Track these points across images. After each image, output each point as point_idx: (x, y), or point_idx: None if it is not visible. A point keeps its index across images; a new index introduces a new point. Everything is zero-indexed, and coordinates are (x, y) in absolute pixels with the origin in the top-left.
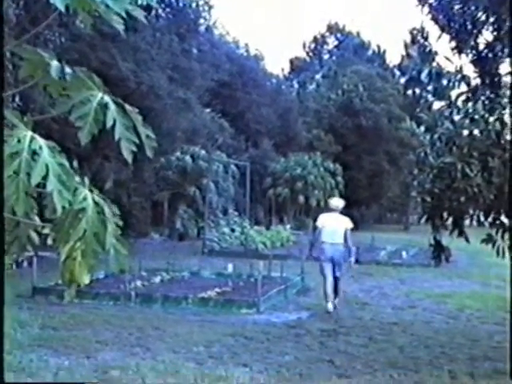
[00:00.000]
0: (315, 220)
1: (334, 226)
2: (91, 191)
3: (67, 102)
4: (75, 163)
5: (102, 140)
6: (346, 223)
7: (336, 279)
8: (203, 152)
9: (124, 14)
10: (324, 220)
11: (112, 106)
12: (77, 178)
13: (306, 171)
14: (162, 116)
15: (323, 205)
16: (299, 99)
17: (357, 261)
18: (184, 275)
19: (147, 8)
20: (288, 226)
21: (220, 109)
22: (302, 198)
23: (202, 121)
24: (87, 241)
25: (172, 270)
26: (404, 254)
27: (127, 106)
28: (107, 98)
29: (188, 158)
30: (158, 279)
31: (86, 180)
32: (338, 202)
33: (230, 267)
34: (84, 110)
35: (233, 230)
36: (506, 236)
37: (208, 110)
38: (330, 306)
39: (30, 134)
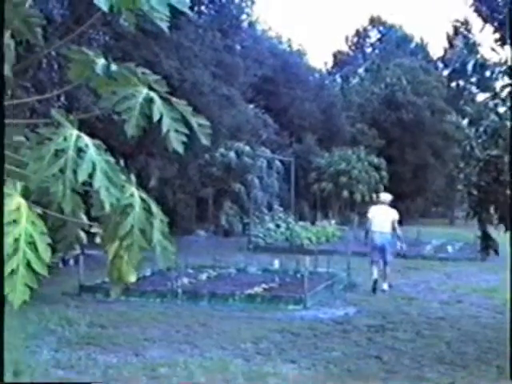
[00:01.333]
0: (360, 215)
1: (382, 217)
2: (137, 188)
3: (112, 98)
4: (121, 162)
5: (146, 137)
6: (394, 215)
7: (385, 264)
8: (247, 148)
9: (167, 12)
10: (374, 211)
11: (158, 101)
12: (123, 176)
13: (350, 166)
14: (205, 112)
15: (368, 199)
16: (342, 93)
17: (403, 255)
18: (230, 272)
19: (191, 4)
20: (333, 221)
21: (263, 104)
22: (346, 193)
23: (245, 117)
24: (134, 237)
25: (218, 267)
26: (450, 248)
27: (174, 99)
28: (152, 94)
29: (232, 154)
30: (204, 276)
31: (133, 177)
32: (386, 196)
33: (276, 263)
34: (130, 103)
35: (278, 226)
36: None
37: (251, 106)
38: (374, 275)
39: (75, 132)
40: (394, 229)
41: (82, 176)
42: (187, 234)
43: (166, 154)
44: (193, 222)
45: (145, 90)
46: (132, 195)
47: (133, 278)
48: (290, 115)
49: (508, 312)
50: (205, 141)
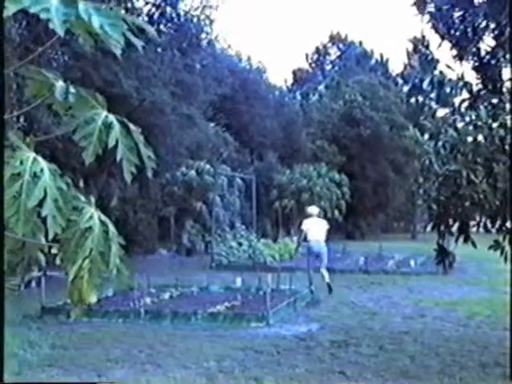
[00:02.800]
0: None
1: (316, 227)
2: (97, 210)
3: (72, 122)
4: (81, 182)
5: (107, 158)
6: (325, 224)
7: (324, 267)
8: (208, 166)
9: (121, 39)
10: (308, 224)
11: (116, 126)
12: (82, 198)
13: (312, 182)
14: (165, 132)
15: (330, 215)
16: (303, 110)
17: (365, 271)
18: (193, 290)
19: (149, 23)
20: (295, 238)
21: (224, 123)
22: (309, 209)
23: (206, 135)
24: (93, 260)
25: (181, 286)
26: (412, 262)
27: (131, 126)
28: (111, 117)
29: (193, 172)
30: (167, 295)
31: (92, 198)
32: (313, 209)
33: (239, 281)
34: (88, 129)
35: (240, 244)
36: None
37: (212, 125)
38: (326, 276)
39: (32, 155)
40: (327, 237)
41: (33, 202)
42: (149, 254)
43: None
44: (155, 241)
45: (104, 113)
46: (91, 217)
47: (93, 299)
48: (251, 133)
49: (510, 323)
50: (149, 173)
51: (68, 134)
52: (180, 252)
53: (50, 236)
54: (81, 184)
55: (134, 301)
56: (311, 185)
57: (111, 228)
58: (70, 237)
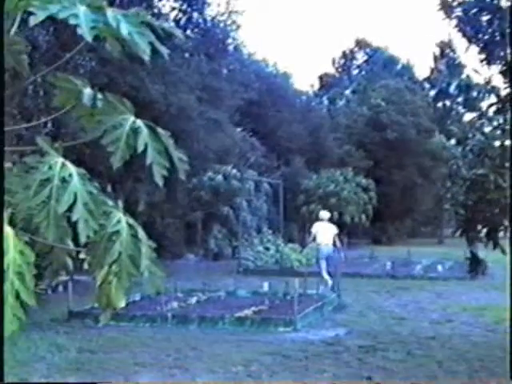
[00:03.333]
0: (349, 236)
1: (326, 231)
2: (125, 214)
3: (99, 128)
4: (109, 187)
5: (134, 162)
6: (334, 229)
7: (330, 271)
8: (235, 171)
9: (148, 47)
10: (318, 227)
11: (144, 130)
12: (110, 202)
13: (339, 187)
14: (193, 137)
15: (357, 220)
16: (330, 115)
17: (393, 276)
18: (220, 295)
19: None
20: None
21: (251, 127)
22: (335, 214)
23: (233, 140)
24: (122, 264)
25: (208, 291)
26: (439, 267)
27: (159, 130)
28: (139, 122)
29: (220, 177)
30: (194, 300)
31: (120, 203)
32: (325, 214)
33: (266, 286)
34: (116, 134)
35: (267, 249)
36: None
37: (239, 129)
38: (330, 282)
39: (60, 160)
40: (335, 241)
41: (63, 207)
42: (176, 258)
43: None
44: (182, 246)
45: (131, 118)
46: (119, 221)
47: (122, 304)
48: (278, 138)
49: (508, 328)
50: (182, 175)
51: (95, 139)
52: (207, 257)
53: (82, 240)
54: (108, 189)
55: (162, 305)
56: (338, 189)
57: (140, 231)
58: (98, 241)
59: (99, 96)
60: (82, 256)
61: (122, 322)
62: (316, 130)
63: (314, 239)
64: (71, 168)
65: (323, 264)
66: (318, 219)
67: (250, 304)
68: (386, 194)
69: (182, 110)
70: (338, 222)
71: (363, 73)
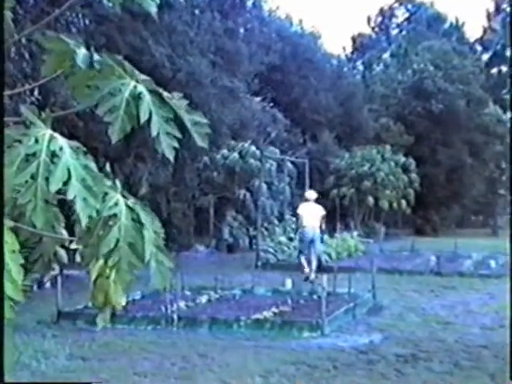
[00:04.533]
0: (387, 225)
1: (311, 213)
2: (124, 196)
3: (94, 94)
4: (107, 167)
5: (135, 138)
6: (321, 210)
7: (315, 254)
8: (253, 148)
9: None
10: (303, 208)
11: (146, 96)
12: (107, 182)
13: (375, 167)
14: (204, 108)
15: (396, 206)
16: (364, 83)
17: (437, 272)
18: (235, 293)
19: None
20: (355, 233)
21: (272, 97)
22: (370, 200)
23: (251, 112)
24: (121, 253)
25: (221, 288)
26: (493, 263)
27: (165, 94)
28: (141, 87)
29: (236, 155)
30: (204, 299)
31: (118, 183)
32: (311, 194)
33: (289, 283)
34: (114, 101)
35: (291, 239)
36: None
37: (258, 99)
38: (306, 270)
39: (48, 132)
40: (321, 223)
41: (55, 185)
42: (184, 250)
43: (158, 156)
44: (191, 235)
45: (132, 83)
46: (116, 204)
47: (122, 302)
48: (303, 109)
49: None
50: (201, 142)
51: (89, 110)
52: (220, 248)
53: (83, 223)
54: (106, 168)
55: (166, 305)
56: (374, 170)
57: (143, 214)
58: (91, 228)
59: (96, 57)
60: (73, 246)
61: (120, 325)
62: (348, 99)
63: (301, 223)
64: (61, 141)
65: (305, 247)
66: (350, 204)
67: (269, 304)
68: (430, 176)
69: (192, 76)
70: (375, 209)
71: (404, 33)
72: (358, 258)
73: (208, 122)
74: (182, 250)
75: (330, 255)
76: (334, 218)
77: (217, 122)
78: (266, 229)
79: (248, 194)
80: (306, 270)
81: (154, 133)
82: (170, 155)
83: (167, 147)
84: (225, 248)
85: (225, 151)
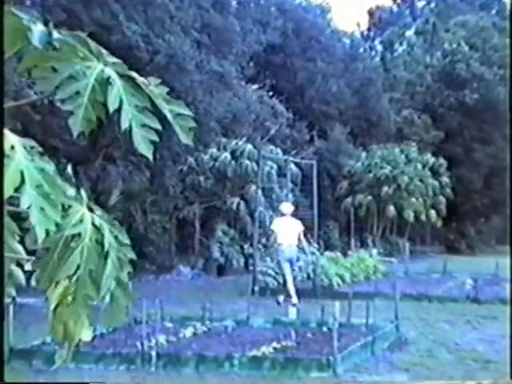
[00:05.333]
0: (413, 241)
1: (288, 229)
2: (91, 210)
3: (52, 79)
4: (68, 169)
5: (104, 134)
6: (299, 225)
7: (292, 276)
8: (249, 147)
9: None
10: (279, 224)
11: (117, 81)
12: (70, 190)
13: (398, 170)
14: (188, 98)
15: (424, 218)
16: (384, 66)
17: (475, 299)
18: (227, 325)
19: None
20: (374, 251)
21: (271, 84)
22: (392, 210)
23: (245, 102)
24: (80, 282)
25: (209, 319)
26: None
27: (140, 79)
28: (110, 71)
29: (227, 156)
30: (189, 332)
31: (83, 193)
32: (287, 207)
33: (293, 312)
34: (76, 86)
35: (296, 259)
36: None
37: (254, 87)
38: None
39: None
40: (299, 241)
41: (6, 191)
42: (165, 272)
43: (133, 157)
44: (172, 254)
45: (99, 66)
46: (81, 220)
47: (86, 336)
48: (310, 99)
49: None
50: (185, 139)
51: (48, 101)
52: (208, 270)
53: (40, 237)
54: (68, 171)
55: (142, 340)
56: (396, 173)
57: (108, 236)
58: (51, 246)
59: (56, 35)
60: (27, 267)
61: (85, 364)
62: (364, 87)
63: (275, 240)
64: (13, 138)
65: (288, 269)
66: (367, 215)
67: (269, 338)
68: (465, 181)
69: (173, 59)
70: (397, 221)
71: (432, 5)
72: (378, 282)
73: (193, 114)
74: (161, 272)
75: (342, 278)
76: (348, 233)
77: (204, 115)
78: (265, 246)
79: (242, 204)
80: (294, 299)
81: (124, 124)
82: (148, 152)
83: (143, 142)
84: (214, 269)
85: (214, 150)
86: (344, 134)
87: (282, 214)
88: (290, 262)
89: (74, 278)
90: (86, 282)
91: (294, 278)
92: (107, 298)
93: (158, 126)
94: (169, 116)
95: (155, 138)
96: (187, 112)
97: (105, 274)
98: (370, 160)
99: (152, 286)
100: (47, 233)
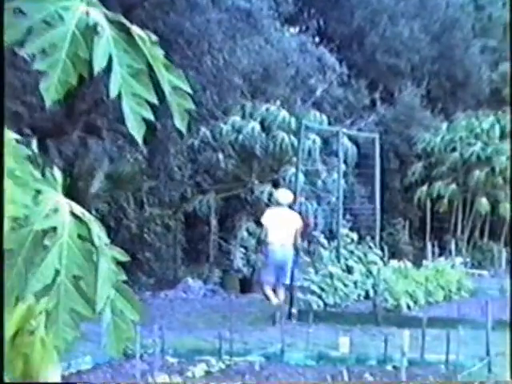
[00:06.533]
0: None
1: (282, 224)
2: (67, 195)
3: (19, 25)
4: (34, 144)
5: (84, 96)
6: (297, 221)
7: (283, 286)
8: (285, 114)
9: None
10: (271, 217)
11: (106, 31)
12: (37, 173)
13: (492, 148)
14: (202, 45)
15: None
16: (475, 3)
17: None
18: (252, 361)
19: None
20: (459, 260)
21: (317, 27)
22: (484, 203)
23: (281, 51)
24: (61, 292)
25: (228, 352)
26: None
27: (137, 30)
28: (97, 14)
29: (255, 126)
30: (200, 370)
31: (58, 174)
32: (285, 195)
33: (345, 343)
34: (51, 36)
35: (349, 269)
36: None
37: (294, 31)
38: (274, 301)
39: None
40: (295, 239)
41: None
42: (167, 287)
43: (124, 128)
44: (177, 262)
45: (82, 7)
46: (56, 210)
47: (54, 375)
48: (371, 48)
49: None
50: (179, 123)
51: (11, 51)
52: (227, 284)
53: (6, 227)
54: (33, 147)
55: (136, 382)
56: (490, 152)
57: (96, 229)
58: (14, 248)
59: None
60: None
61: None
62: (447, 31)
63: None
64: None
65: (269, 274)
66: (450, 211)
67: (312, 379)
68: None
69: None
70: (491, 219)
71: None
72: (463, 302)
73: (206, 70)
74: (162, 287)
75: (414, 297)
76: (423, 235)
77: (224, 69)
78: (308, 251)
79: (276, 193)
80: (274, 300)
81: (113, 92)
82: (138, 131)
83: (134, 119)
84: (236, 284)
85: (237, 118)
86: (418, 97)
87: (278, 204)
88: (282, 267)
89: (51, 291)
90: (71, 293)
91: (283, 286)
92: (107, 313)
93: (154, 100)
94: (166, 89)
95: (149, 115)
96: (187, 88)
97: (98, 281)
98: (454, 134)
99: (149, 307)
100: (16, 219)
